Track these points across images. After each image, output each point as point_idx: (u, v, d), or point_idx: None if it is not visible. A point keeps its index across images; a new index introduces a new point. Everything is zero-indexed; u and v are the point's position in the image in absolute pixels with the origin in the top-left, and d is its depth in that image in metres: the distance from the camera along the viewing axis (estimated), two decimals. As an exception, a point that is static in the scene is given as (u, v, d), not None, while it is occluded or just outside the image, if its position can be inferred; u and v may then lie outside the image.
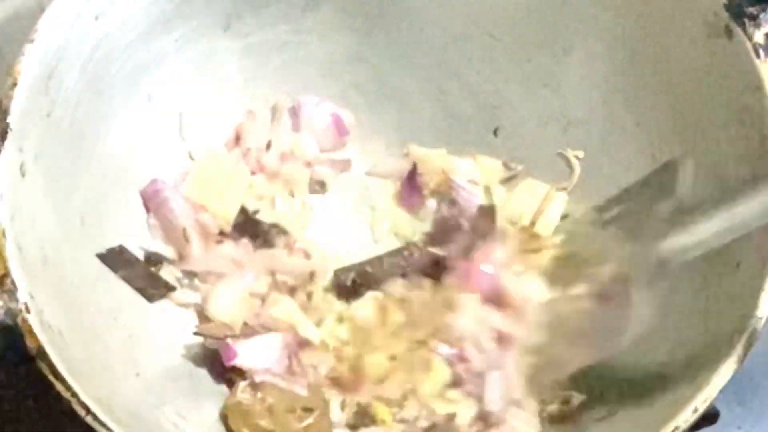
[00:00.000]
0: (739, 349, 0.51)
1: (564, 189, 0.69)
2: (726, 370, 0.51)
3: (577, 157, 0.69)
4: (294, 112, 0.72)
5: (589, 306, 0.59)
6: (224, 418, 0.61)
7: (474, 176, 0.70)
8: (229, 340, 0.62)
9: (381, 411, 0.62)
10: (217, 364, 0.63)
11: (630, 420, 0.56)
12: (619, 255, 0.58)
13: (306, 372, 0.63)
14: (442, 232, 0.69)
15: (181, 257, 0.66)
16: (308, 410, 0.60)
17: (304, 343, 0.64)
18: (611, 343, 0.56)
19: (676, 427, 0.50)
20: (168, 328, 0.64)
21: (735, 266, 0.55)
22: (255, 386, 0.61)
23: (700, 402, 0.50)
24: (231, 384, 0.62)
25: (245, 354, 0.62)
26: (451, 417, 0.61)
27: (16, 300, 0.49)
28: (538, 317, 0.62)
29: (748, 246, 0.55)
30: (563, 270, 0.63)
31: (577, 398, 0.61)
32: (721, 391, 0.51)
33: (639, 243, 0.56)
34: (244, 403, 0.60)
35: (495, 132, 0.71)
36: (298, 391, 0.61)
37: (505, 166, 0.71)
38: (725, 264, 0.56)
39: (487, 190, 0.70)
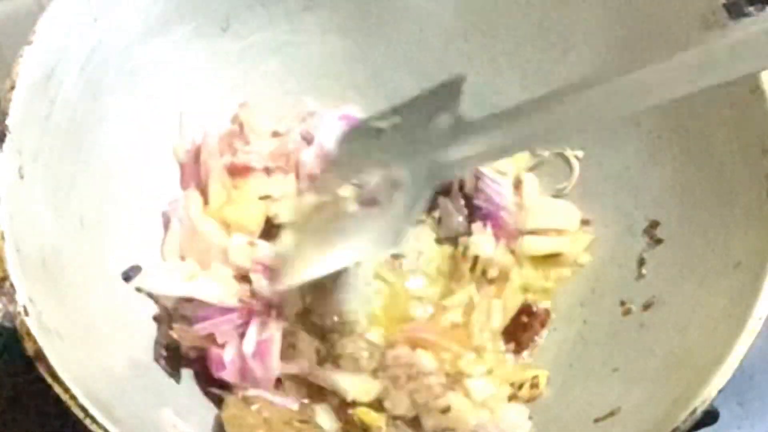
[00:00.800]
0: (738, 350, 0.51)
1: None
2: (725, 371, 0.51)
3: (576, 157, 0.69)
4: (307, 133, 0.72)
5: (352, 209, 0.60)
6: (221, 427, 0.61)
7: (502, 167, 0.70)
8: (215, 350, 0.62)
9: (372, 417, 0.62)
10: (202, 375, 0.63)
11: (630, 420, 0.56)
12: (391, 161, 0.59)
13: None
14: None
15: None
16: (304, 422, 0.60)
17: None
18: (373, 244, 0.58)
19: (676, 428, 0.50)
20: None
21: (734, 266, 0.55)
22: (247, 399, 0.61)
23: (700, 402, 0.50)
24: (215, 396, 0.63)
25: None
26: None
27: (15, 303, 0.49)
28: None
29: (747, 246, 0.55)
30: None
31: (543, 375, 0.63)
32: (721, 391, 0.51)
33: (413, 150, 0.57)
34: (240, 415, 0.59)
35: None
36: (290, 406, 0.61)
37: (531, 152, 0.71)
38: (725, 264, 0.56)
39: (518, 178, 0.70)
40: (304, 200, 0.64)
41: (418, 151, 0.57)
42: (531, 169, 0.71)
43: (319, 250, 0.61)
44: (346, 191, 0.60)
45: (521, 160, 0.71)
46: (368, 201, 0.59)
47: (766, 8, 0.54)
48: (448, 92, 0.58)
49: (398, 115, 0.61)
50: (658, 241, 0.63)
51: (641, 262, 0.64)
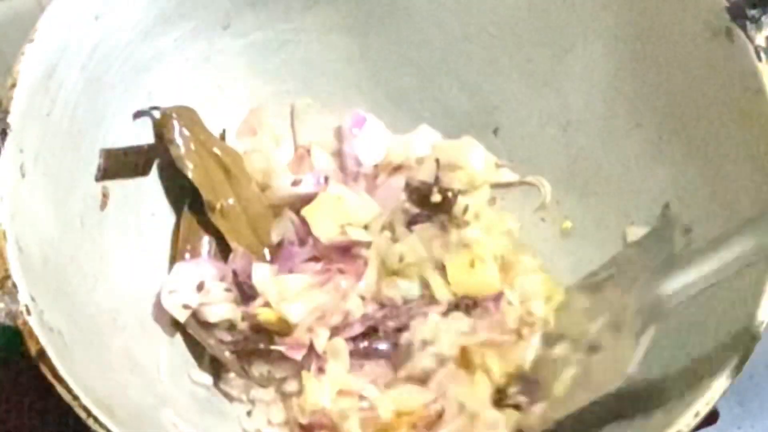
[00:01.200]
0: (740, 353, 0.51)
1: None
2: (727, 374, 0.51)
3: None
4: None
5: (578, 357, 0.60)
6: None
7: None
8: None
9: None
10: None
11: (631, 421, 0.56)
12: (612, 307, 0.59)
13: None
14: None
15: None
16: None
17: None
18: (606, 386, 0.57)
19: (678, 431, 0.50)
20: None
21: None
22: None
23: (702, 405, 0.50)
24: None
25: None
26: None
27: (17, 302, 0.49)
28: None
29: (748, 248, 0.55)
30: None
31: None
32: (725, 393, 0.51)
33: (633, 293, 0.56)
34: None
35: (495, 132, 0.71)
36: None
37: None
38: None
39: None
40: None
41: (638, 292, 0.56)
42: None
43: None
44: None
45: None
46: (593, 348, 0.59)
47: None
48: (662, 234, 0.60)
49: (610, 267, 0.63)
50: (659, 242, 0.63)
51: (641, 263, 0.64)
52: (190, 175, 0.66)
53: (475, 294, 0.66)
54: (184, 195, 0.68)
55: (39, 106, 0.55)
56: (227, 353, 0.64)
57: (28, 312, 0.49)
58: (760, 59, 0.55)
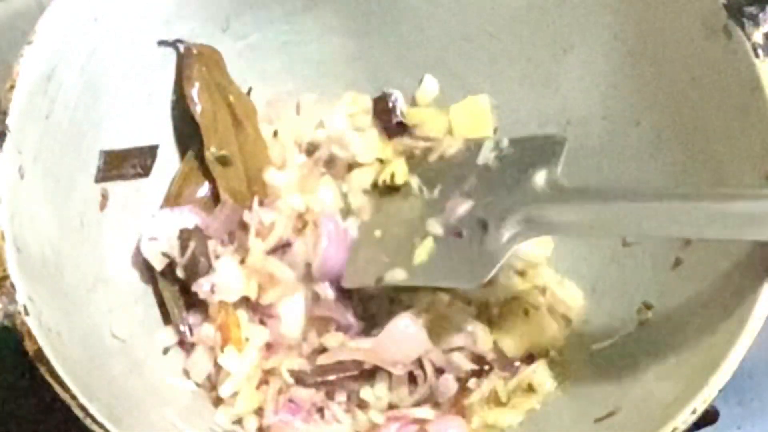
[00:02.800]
0: (738, 350, 0.51)
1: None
2: (725, 371, 0.50)
3: None
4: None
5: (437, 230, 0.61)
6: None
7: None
8: None
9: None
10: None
11: (630, 420, 0.56)
12: (483, 201, 0.60)
13: None
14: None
15: None
16: None
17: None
18: (462, 275, 0.58)
19: (675, 428, 0.50)
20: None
21: (734, 266, 0.55)
22: None
23: (699, 402, 0.50)
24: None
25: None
26: None
27: (15, 302, 0.49)
28: None
29: (748, 246, 0.55)
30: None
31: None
32: (721, 391, 0.51)
33: (508, 199, 0.58)
34: None
35: (495, 131, 0.71)
36: None
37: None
38: (725, 265, 0.56)
39: None
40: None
41: (513, 201, 0.57)
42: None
43: (395, 259, 0.62)
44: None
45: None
46: (452, 229, 0.60)
47: (766, 8, 0.54)
48: (550, 148, 0.60)
49: (499, 151, 0.64)
50: (659, 241, 0.63)
51: (641, 262, 0.64)
52: (197, 116, 0.65)
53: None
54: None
55: (38, 108, 0.56)
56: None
57: (26, 312, 0.49)
58: (757, 56, 0.55)
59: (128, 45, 0.62)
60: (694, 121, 0.60)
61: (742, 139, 0.56)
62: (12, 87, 0.54)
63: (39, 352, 0.48)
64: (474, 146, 0.67)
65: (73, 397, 0.48)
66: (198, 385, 0.64)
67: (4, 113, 0.53)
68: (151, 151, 0.66)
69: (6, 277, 0.50)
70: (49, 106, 0.56)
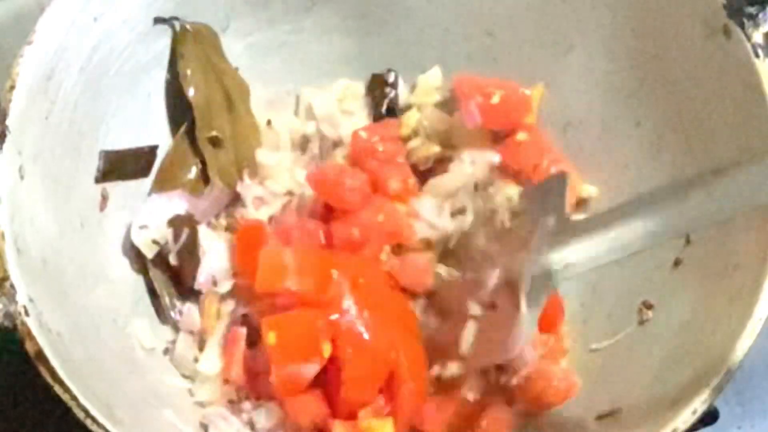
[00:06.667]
0: (738, 352, 0.51)
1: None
2: (725, 370, 0.50)
3: None
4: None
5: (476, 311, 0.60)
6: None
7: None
8: None
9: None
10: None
11: (630, 420, 0.56)
12: (508, 262, 0.59)
13: None
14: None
15: None
16: None
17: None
18: (500, 347, 0.57)
19: (675, 428, 0.50)
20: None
21: (734, 266, 0.55)
22: None
23: (699, 403, 0.50)
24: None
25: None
26: None
27: (16, 303, 0.49)
28: None
29: (747, 246, 0.55)
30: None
31: None
32: (721, 391, 0.51)
33: (527, 252, 0.56)
34: None
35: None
36: None
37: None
38: (725, 264, 0.56)
39: None
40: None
41: (531, 253, 0.56)
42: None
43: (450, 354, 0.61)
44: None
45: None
46: (488, 304, 0.60)
47: (766, 8, 0.54)
48: (554, 191, 0.59)
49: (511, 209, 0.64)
50: (659, 241, 0.63)
51: (642, 262, 0.64)
52: (191, 96, 0.65)
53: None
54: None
55: (38, 108, 0.56)
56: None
57: (27, 313, 0.49)
58: (757, 56, 0.55)
59: (127, 45, 0.62)
60: (694, 121, 0.60)
61: (742, 140, 0.56)
62: (12, 87, 0.54)
63: (39, 352, 0.48)
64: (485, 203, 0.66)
65: (74, 398, 0.48)
66: (185, 376, 0.64)
67: (4, 113, 0.53)
68: (151, 151, 0.66)
69: (6, 278, 0.50)
70: (49, 106, 0.56)
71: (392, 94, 0.72)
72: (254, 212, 0.66)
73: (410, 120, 0.69)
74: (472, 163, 0.68)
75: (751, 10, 0.55)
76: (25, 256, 0.52)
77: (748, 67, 0.55)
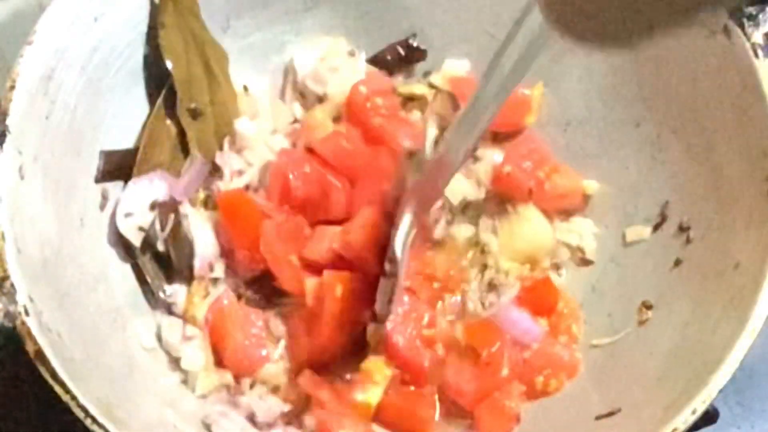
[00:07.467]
0: (737, 350, 0.51)
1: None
2: (725, 371, 0.51)
3: None
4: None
5: None
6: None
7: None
8: None
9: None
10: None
11: (630, 420, 0.56)
12: None
13: None
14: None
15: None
16: None
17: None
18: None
19: (675, 428, 0.50)
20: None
21: (734, 266, 0.55)
22: None
23: (699, 403, 0.50)
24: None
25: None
26: None
27: (16, 303, 0.49)
28: None
29: (747, 246, 0.55)
30: None
31: None
32: (721, 391, 0.51)
33: None
34: None
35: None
36: None
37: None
38: (725, 264, 0.56)
39: None
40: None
41: None
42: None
43: None
44: None
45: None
46: None
47: (766, 8, 0.54)
48: None
49: None
50: (659, 242, 0.63)
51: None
52: (171, 68, 0.64)
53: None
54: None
55: (38, 108, 0.56)
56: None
57: (27, 313, 0.49)
58: (757, 56, 0.55)
59: (128, 45, 0.62)
60: (694, 121, 0.60)
61: (741, 141, 0.56)
62: (12, 87, 0.54)
63: (39, 352, 0.48)
64: None
65: (73, 398, 0.48)
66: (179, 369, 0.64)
67: (5, 113, 0.53)
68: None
69: (6, 278, 0.50)
70: (50, 106, 0.56)
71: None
72: (230, 183, 0.67)
73: (417, 89, 0.70)
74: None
75: (751, 10, 0.55)
76: (25, 256, 0.52)
77: (748, 67, 0.55)
